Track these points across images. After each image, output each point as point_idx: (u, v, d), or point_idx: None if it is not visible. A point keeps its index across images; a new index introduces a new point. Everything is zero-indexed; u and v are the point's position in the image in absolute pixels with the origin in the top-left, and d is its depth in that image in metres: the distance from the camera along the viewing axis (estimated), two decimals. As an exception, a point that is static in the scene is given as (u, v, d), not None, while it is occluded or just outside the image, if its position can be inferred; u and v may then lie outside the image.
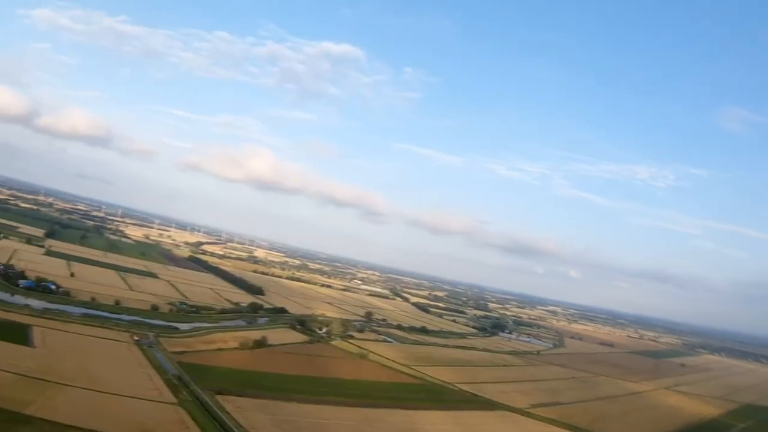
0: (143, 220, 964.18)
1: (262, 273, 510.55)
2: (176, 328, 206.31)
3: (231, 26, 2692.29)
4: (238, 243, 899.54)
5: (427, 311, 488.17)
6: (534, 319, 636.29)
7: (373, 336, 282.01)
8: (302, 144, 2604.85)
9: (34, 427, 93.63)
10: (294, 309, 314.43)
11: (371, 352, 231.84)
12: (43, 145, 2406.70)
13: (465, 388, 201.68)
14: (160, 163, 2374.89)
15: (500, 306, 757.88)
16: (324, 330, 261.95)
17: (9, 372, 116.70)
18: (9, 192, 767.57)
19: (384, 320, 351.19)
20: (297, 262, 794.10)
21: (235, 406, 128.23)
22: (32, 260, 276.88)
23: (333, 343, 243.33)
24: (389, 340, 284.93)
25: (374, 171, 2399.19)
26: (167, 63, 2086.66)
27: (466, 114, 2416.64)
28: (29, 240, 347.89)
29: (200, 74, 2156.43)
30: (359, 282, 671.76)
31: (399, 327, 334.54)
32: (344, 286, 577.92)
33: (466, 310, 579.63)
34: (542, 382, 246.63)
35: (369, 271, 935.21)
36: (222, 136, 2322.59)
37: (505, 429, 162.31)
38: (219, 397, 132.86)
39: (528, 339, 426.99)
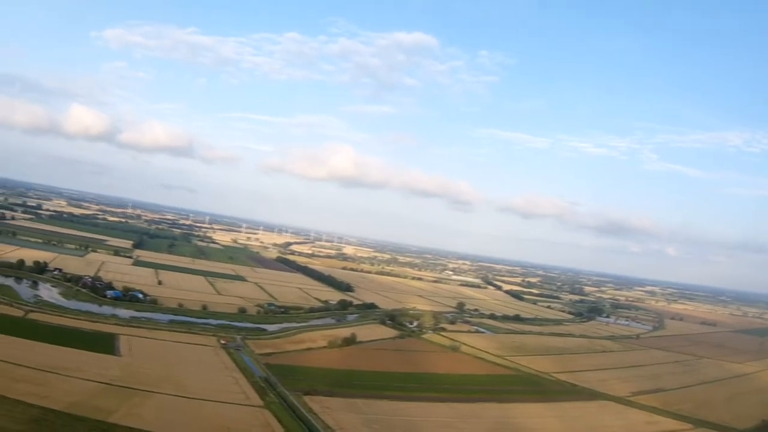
0: (231, 225, 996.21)
1: (351, 269, 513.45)
2: (264, 330, 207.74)
3: (301, 26, 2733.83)
4: (326, 241, 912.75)
5: (520, 299, 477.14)
6: (632, 301, 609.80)
7: (465, 327, 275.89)
8: (383, 137, 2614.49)
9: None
10: (384, 304, 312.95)
11: (464, 344, 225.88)
12: (127, 159, 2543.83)
13: (562, 377, 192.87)
14: (243, 168, 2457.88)
15: (596, 289, 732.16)
16: (415, 324, 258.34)
17: (94, 381, 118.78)
18: (97, 207, 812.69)
19: (476, 310, 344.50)
20: (386, 256, 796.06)
21: (322, 407, 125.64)
22: (120, 271, 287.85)
23: (424, 336, 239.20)
24: (482, 330, 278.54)
25: (458, 159, 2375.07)
26: (241, 69, 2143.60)
27: (547, 93, 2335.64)
28: (117, 252, 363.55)
29: (275, 77, 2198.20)
30: (450, 273, 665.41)
31: (492, 316, 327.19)
32: (435, 277, 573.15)
33: (561, 296, 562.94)
34: (643, 367, 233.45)
35: (460, 261, 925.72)
36: (302, 137, 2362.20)
37: (606, 420, 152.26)
38: (306, 398, 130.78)
39: (626, 322, 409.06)
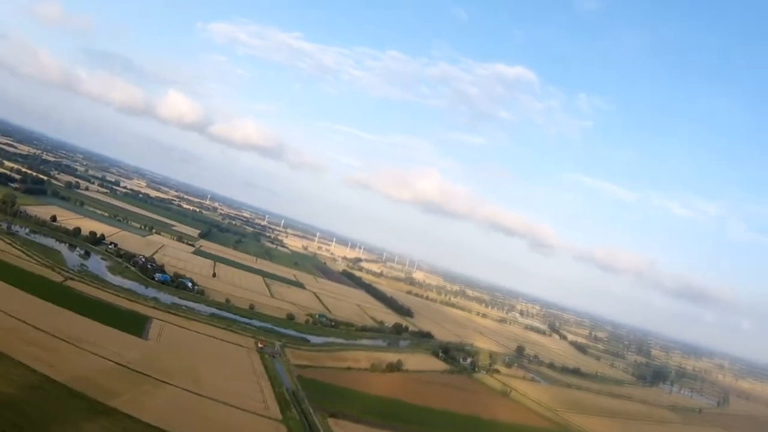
0: (305, 232, 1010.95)
1: (416, 295, 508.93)
2: (307, 341, 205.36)
3: (404, 46, 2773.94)
4: (398, 263, 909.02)
5: (584, 352, 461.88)
6: (698, 372, 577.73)
7: (521, 373, 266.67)
8: (471, 167, 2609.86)
9: (111, 420, 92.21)
10: (441, 335, 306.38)
11: (515, 390, 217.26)
12: (215, 152, 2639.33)
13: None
14: (327, 178, 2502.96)
15: (663, 353, 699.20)
16: (468, 360, 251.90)
17: (109, 360, 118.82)
18: (175, 193, 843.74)
19: (536, 357, 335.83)
20: (455, 287, 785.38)
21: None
22: (177, 257, 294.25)
23: (476, 375, 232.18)
24: (538, 379, 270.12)
25: (543, 199, 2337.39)
26: (340, 80, 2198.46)
27: (639, 145, 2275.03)
28: (180, 238, 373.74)
29: (372, 92, 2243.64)
30: (517, 314, 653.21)
31: (551, 366, 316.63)
32: (501, 317, 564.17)
33: (627, 355, 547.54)
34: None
35: (529, 304, 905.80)
36: (391, 156, 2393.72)
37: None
38: (331, 420, 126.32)
39: (690, 393, 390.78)
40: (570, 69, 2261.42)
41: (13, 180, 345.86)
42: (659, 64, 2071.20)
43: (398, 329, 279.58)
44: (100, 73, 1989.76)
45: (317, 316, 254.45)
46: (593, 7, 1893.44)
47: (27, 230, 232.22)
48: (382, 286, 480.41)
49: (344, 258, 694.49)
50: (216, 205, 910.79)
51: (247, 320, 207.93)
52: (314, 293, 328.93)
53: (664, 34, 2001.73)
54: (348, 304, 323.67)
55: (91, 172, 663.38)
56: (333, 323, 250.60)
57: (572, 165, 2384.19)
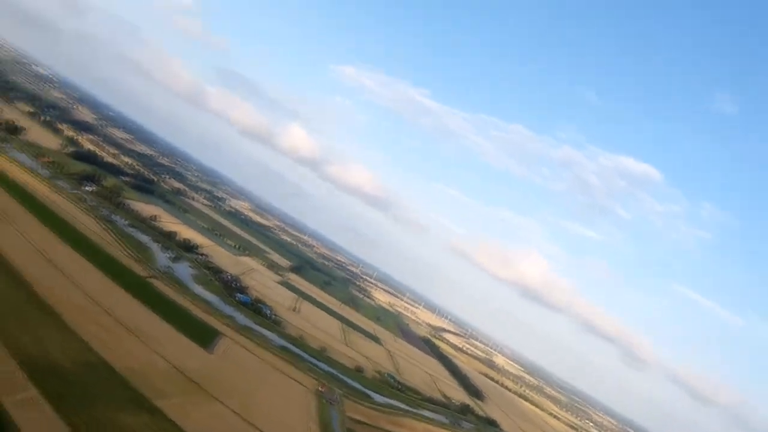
0: (395, 288, 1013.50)
1: (492, 378, 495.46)
2: (369, 397, 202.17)
3: (530, 121, 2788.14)
4: (481, 342, 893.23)
5: None
6: None
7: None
8: (576, 260, 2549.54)
9: (152, 419, 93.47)
10: (507, 426, 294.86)
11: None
12: (323, 191, 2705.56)
13: None
14: (428, 239, 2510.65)
15: None
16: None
17: (169, 362, 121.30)
18: (277, 222, 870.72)
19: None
20: (534, 381, 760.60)
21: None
22: (263, 283, 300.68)
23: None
24: None
25: (645, 308, 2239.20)
26: (459, 144, 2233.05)
27: (759, 268, 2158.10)
28: (271, 266, 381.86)
29: (489, 162, 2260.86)
30: (591, 424, 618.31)
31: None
32: (573, 423, 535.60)
33: None
34: None
35: (606, 417, 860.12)
36: (496, 230, 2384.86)
37: None
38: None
39: None
40: (697, 174, 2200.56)
41: (125, 174, 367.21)
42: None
43: (464, 409, 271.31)
44: (228, 92, 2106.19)
45: (386, 374, 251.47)
46: (732, 111, 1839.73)
47: (126, 222, 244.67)
48: (460, 361, 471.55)
49: (428, 324, 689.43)
50: (313, 242, 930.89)
51: (314, 361, 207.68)
52: (389, 351, 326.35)
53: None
54: (420, 371, 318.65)
55: (200, 184, 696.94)
56: (400, 386, 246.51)
57: (682, 277, 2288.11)
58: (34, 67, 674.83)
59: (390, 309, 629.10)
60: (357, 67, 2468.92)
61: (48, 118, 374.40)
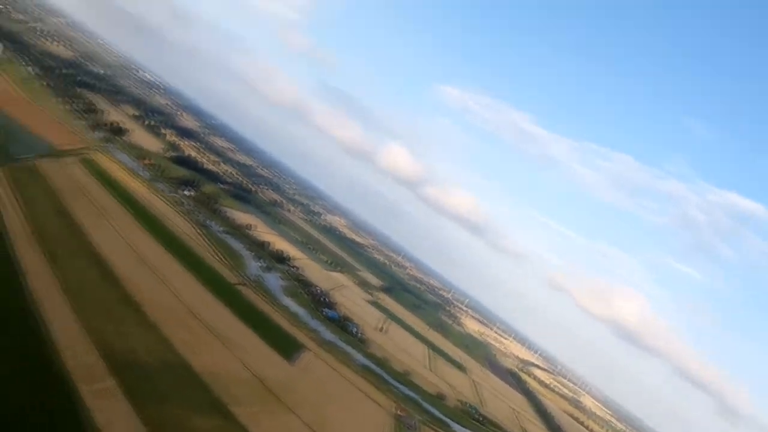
0: (485, 317, 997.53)
1: (578, 420, 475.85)
2: (448, 426, 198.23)
3: (637, 151, 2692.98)
4: (569, 380, 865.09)
5: None
6: None
7: None
8: (676, 301, 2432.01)
9: (224, 423, 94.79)
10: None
11: None
12: (420, 212, 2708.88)
13: None
14: (524, 269, 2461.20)
15: None
16: None
17: (249, 369, 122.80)
18: (371, 241, 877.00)
19: None
20: (622, 427, 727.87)
21: None
22: (352, 300, 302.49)
23: None
24: None
25: (747, 359, 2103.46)
26: (562, 173, 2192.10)
27: None
28: (361, 284, 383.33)
29: (592, 193, 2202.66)
30: None
31: None
32: None
33: None
34: None
35: None
36: (594, 264, 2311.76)
37: None
38: None
39: None
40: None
41: (223, 182, 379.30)
42: None
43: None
44: (329, 106, 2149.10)
45: (468, 405, 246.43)
46: None
47: (221, 228, 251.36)
48: (546, 399, 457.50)
49: (517, 357, 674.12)
50: (406, 263, 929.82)
51: (396, 384, 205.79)
52: (473, 381, 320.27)
53: None
54: (503, 405, 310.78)
55: (297, 197, 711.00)
56: (481, 419, 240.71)
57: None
58: (141, 73, 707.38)
59: (479, 338, 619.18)
60: (461, 88, 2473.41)
61: (152, 123, 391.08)
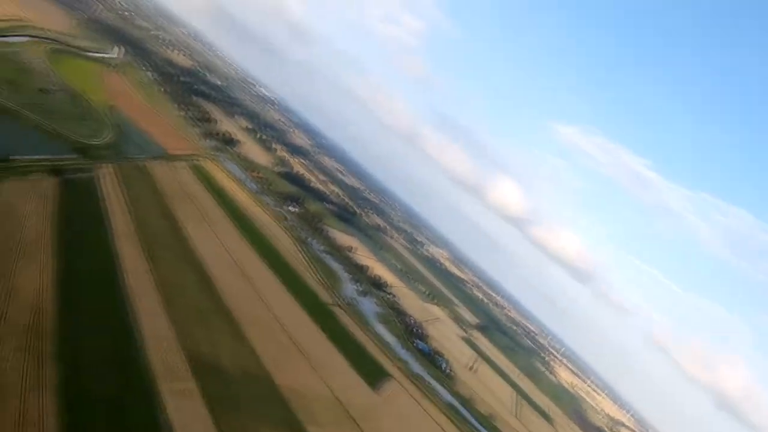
0: (580, 368, 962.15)
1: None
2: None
3: (755, 206, 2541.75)
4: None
5: None
6: None
7: None
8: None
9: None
10: None
11: None
12: (526, 252, 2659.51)
13: None
14: (626, 321, 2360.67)
15: None
16: None
17: (332, 392, 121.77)
18: (472, 277, 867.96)
19: None
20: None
21: None
22: (445, 335, 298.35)
23: None
24: None
25: None
26: (677, 225, 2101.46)
27: None
28: (457, 319, 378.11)
29: (705, 248, 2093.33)
30: None
31: None
32: None
33: None
34: None
35: None
36: (701, 324, 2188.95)
37: None
38: None
39: None
40: None
41: (329, 201, 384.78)
42: None
43: None
44: (441, 135, 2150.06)
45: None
46: None
47: (321, 248, 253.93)
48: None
49: (607, 414, 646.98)
50: (505, 303, 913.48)
51: (479, 427, 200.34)
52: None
53: None
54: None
55: (401, 224, 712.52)
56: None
57: None
58: (258, 88, 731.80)
59: (570, 389, 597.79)
60: (578, 128, 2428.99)
61: (264, 136, 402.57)
